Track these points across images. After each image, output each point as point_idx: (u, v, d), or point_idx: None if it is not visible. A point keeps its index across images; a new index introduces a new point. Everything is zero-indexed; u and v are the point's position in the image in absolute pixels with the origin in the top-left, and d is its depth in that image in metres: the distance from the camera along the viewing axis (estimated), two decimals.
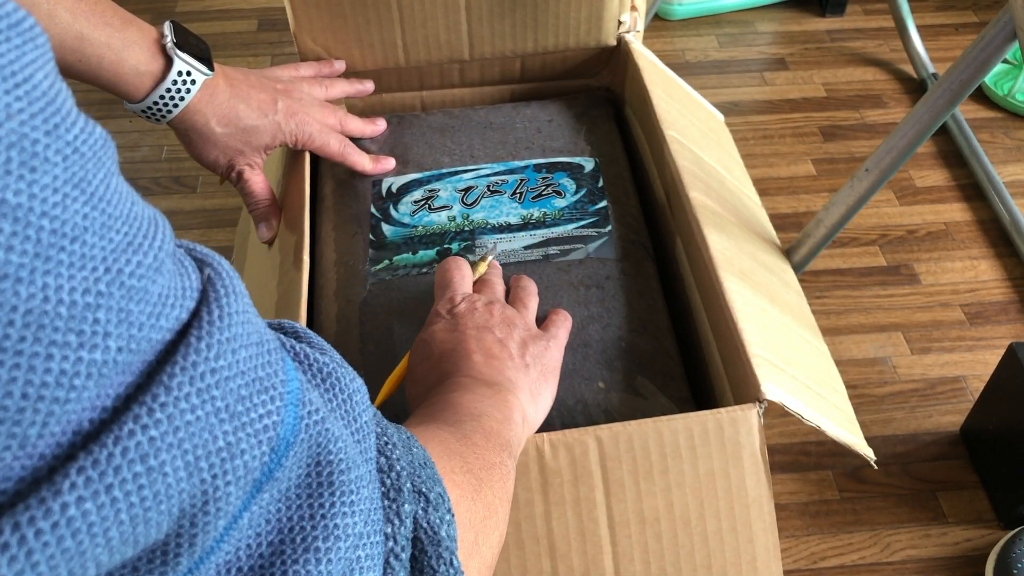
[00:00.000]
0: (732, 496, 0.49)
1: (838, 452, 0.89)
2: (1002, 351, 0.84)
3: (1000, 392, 0.85)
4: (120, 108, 0.62)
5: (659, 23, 1.44)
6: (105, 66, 0.55)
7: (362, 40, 0.73)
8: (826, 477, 0.88)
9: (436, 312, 0.53)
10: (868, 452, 0.52)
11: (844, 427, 0.53)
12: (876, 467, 0.87)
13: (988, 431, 0.87)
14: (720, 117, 0.83)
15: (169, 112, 0.59)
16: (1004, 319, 1.02)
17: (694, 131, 0.70)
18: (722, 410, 0.49)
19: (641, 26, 0.76)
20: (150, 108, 0.58)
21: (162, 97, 0.58)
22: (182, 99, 0.58)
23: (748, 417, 0.49)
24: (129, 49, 0.55)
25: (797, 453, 0.89)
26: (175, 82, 0.57)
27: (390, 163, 0.69)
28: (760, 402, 0.48)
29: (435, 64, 0.75)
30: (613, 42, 0.76)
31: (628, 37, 0.75)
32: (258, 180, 0.66)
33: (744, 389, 0.50)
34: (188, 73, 0.58)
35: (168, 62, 0.57)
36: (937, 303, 1.04)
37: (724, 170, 0.70)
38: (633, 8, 0.75)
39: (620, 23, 0.75)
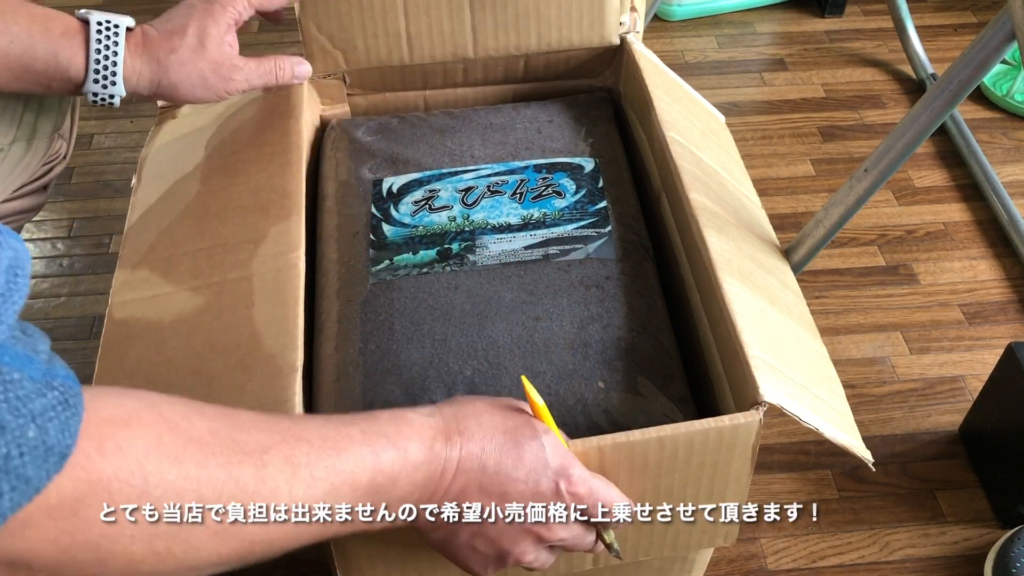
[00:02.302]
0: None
1: (837, 452, 0.89)
2: (1000, 351, 0.84)
3: (999, 392, 0.85)
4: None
5: (658, 24, 1.44)
6: (39, 56, 0.56)
7: (366, 35, 0.73)
8: (825, 476, 0.88)
9: (503, 548, 0.45)
10: (866, 454, 0.52)
11: (842, 429, 0.53)
12: (874, 468, 0.88)
13: (987, 431, 0.87)
14: (721, 118, 0.83)
15: (113, 74, 0.58)
16: (1002, 319, 1.02)
17: (694, 132, 0.70)
18: (724, 417, 0.49)
19: (641, 27, 0.76)
20: (96, 75, 0.58)
21: (97, 61, 0.57)
22: (116, 46, 0.58)
23: (749, 425, 0.49)
24: (48, 28, 0.56)
25: (796, 452, 0.90)
26: (99, 32, 0.57)
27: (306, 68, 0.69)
28: (760, 404, 0.49)
29: (439, 63, 0.75)
30: (616, 42, 0.76)
31: (629, 38, 0.75)
32: (252, 65, 0.64)
33: (743, 391, 0.51)
34: (108, 21, 0.58)
35: (85, 24, 0.57)
36: (936, 303, 1.04)
37: (724, 171, 0.71)
38: (632, 9, 0.75)
39: (620, 24, 0.75)
